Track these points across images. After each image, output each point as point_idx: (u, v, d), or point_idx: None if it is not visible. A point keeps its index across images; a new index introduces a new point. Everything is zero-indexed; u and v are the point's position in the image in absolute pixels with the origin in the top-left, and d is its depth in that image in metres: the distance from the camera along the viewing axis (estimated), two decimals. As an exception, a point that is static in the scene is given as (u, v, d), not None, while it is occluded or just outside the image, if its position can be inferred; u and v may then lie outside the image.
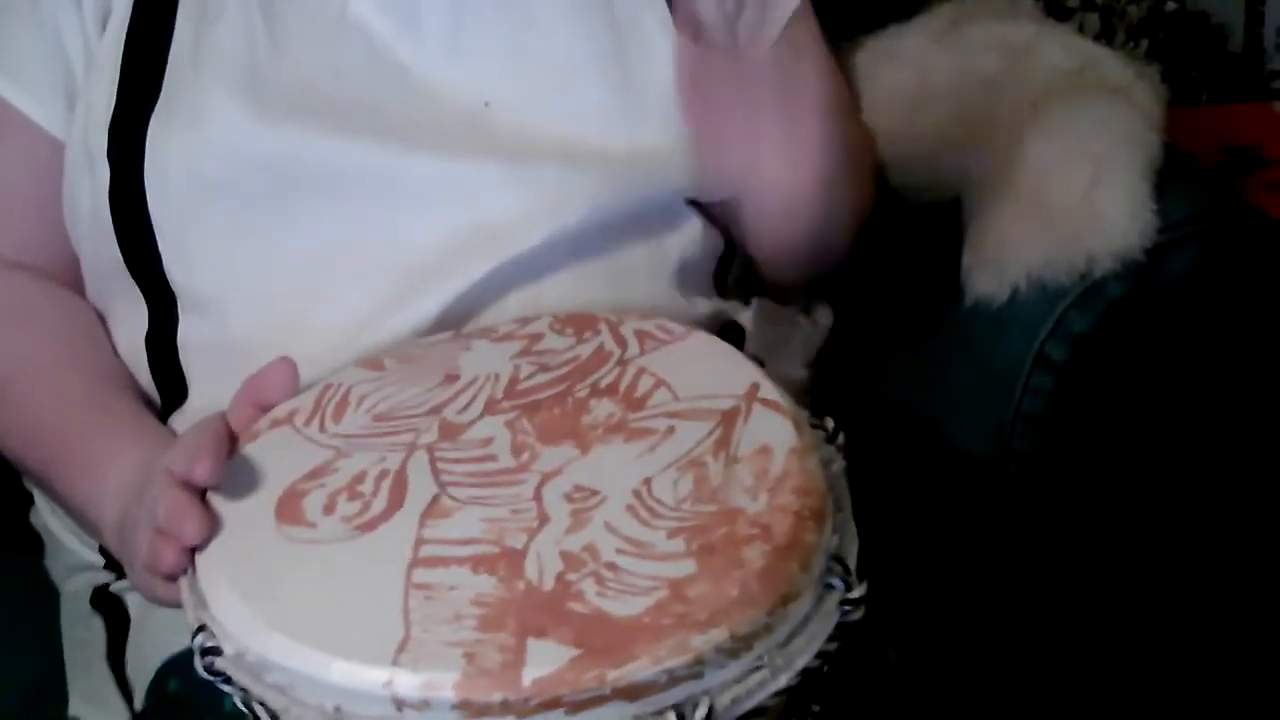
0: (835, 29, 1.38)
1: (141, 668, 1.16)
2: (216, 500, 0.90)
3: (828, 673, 0.89)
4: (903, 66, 1.40)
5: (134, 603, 1.18)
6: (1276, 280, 1.31)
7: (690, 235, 1.19)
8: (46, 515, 1.25)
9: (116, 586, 1.19)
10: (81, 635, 1.23)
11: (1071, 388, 1.28)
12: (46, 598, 1.28)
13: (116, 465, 1.05)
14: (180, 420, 1.13)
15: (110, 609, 1.20)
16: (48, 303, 1.18)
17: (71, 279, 1.19)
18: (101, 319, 1.19)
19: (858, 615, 0.83)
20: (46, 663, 1.26)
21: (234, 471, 0.92)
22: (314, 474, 0.91)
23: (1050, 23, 1.44)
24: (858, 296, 1.32)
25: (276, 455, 0.93)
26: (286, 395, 0.97)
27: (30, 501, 1.28)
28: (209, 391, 1.11)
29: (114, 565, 1.18)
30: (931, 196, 1.35)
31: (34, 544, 1.30)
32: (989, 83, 1.35)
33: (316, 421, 0.95)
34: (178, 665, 1.11)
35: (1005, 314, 1.29)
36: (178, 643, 1.10)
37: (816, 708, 0.91)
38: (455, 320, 1.09)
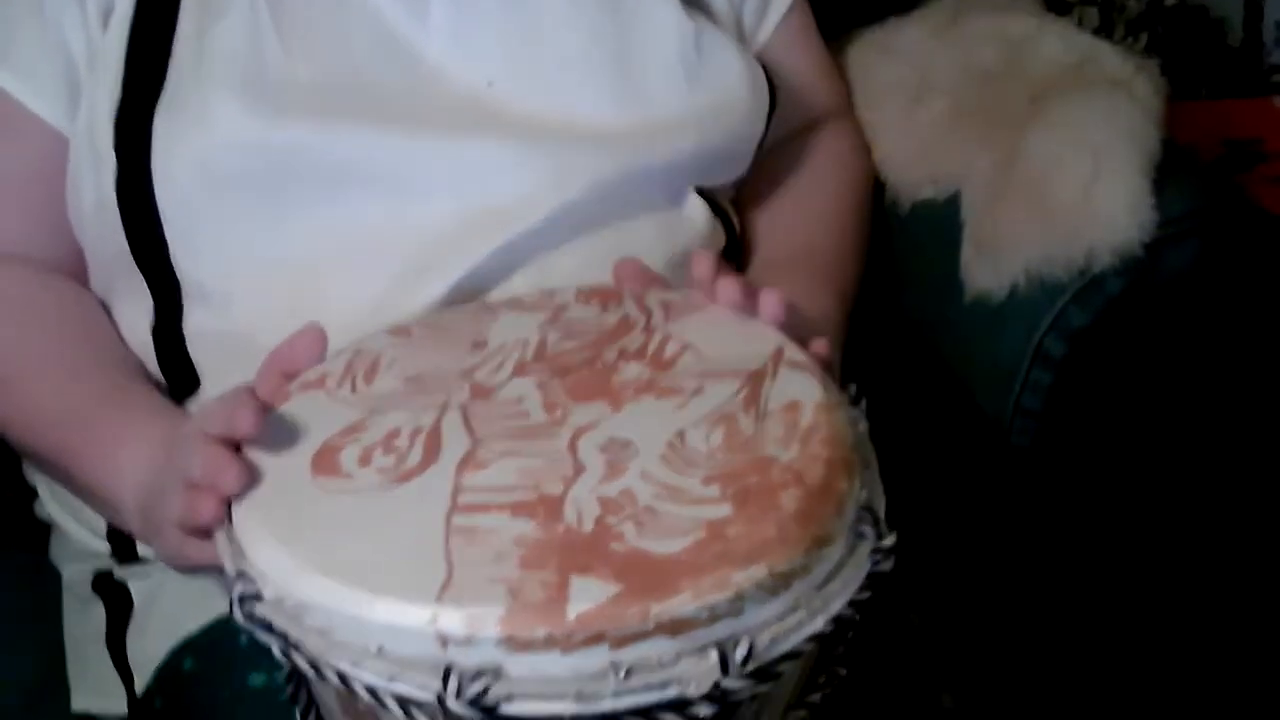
0: (834, 22, 1.41)
1: (147, 651, 1.16)
2: (250, 456, 0.90)
3: (854, 636, 0.90)
4: (902, 60, 1.41)
5: (138, 589, 1.19)
6: (1276, 275, 1.32)
7: (696, 223, 1.21)
8: (50, 505, 1.25)
9: (120, 573, 1.20)
10: (81, 624, 1.23)
11: (1070, 383, 1.29)
12: (47, 595, 1.28)
13: (136, 441, 1.05)
14: (194, 408, 1.14)
15: (112, 594, 1.20)
16: (52, 294, 1.19)
17: (75, 272, 1.20)
18: (107, 311, 1.20)
19: (888, 566, 0.84)
20: (47, 661, 1.26)
21: (267, 430, 0.92)
22: (348, 431, 0.91)
23: (1050, 17, 1.46)
24: (859, 291, 1.33)
25: (309, 415, 0.93)
26: (314, 363, 0.98)
27: (32, 497, 1.29)
28: (220, 382, 1.11)
29: (120, 552, 1.19)
30: (931, 191, 1.37)
31: (35, 541, 1.30)
32: (988, 77, 1.37)
33: (348, 384, 0.96)
34: (194, 645, 1.13)
35: (1004, 309, 1.30)
36: (192, 624, 1.12)
37: (843, 670, 0.92)
38: (462, 300, 1.10)
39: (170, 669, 1.14)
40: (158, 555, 1.03)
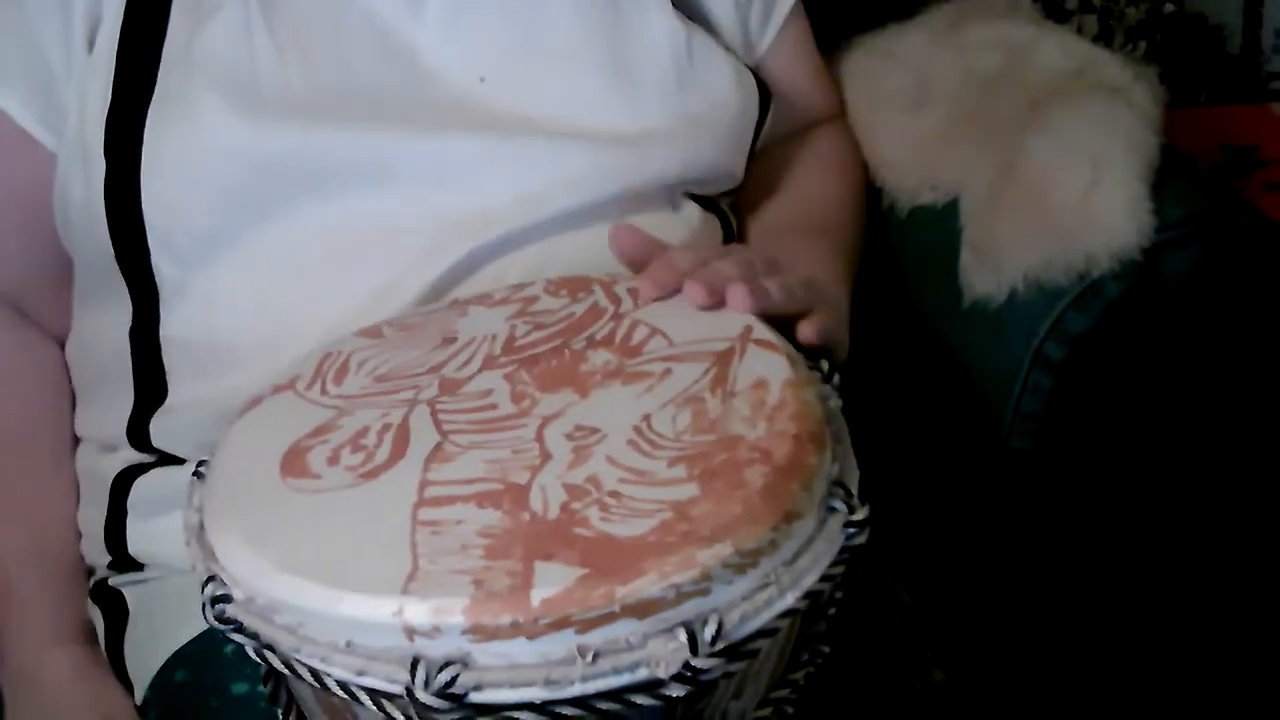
0: (835, 28, 1.41)
1: (144, 661, 1.16)
2: (221, 461, 0.90)
3: (836, 612, 0.90)
4: (902, 66, 1.42)
5: (133, 596, 1.18)
6: (1275, 280, 1.31)
7: (690, 222, 1.20)
8: None
9: (115, 580, 1.19)
10: None
11: (1070, 387, 1.28)
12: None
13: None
14: (160, 420, 1.14)
15: (109, 603, 1.19)
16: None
17: (54, 285, 1.21)
18: (94, 318, 1.20)
19: (862, 539, 0.83)
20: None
21: (237, 434, 0.92)
22: (317, 432, 0.91)
23: (1049, 24, 1.46)
24: (858, 295, 1.32)
25: (280, 418, 0.93)
26: None
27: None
28: (188, 389, 1.13)
29: (117, 564, 1.19)
30: (931, 196, 1.36)
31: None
32: (988, 83, 1.37)
33: (318, 386, 0.96)
34: (186, 656, 1.12)
35: (1004, 314, 1.30)
36: (185, 635, 1.12)
37: (826, 648, 0.91)
38: (440, 295, 1.10)
39: (163, 681, 1.13)
40: None
